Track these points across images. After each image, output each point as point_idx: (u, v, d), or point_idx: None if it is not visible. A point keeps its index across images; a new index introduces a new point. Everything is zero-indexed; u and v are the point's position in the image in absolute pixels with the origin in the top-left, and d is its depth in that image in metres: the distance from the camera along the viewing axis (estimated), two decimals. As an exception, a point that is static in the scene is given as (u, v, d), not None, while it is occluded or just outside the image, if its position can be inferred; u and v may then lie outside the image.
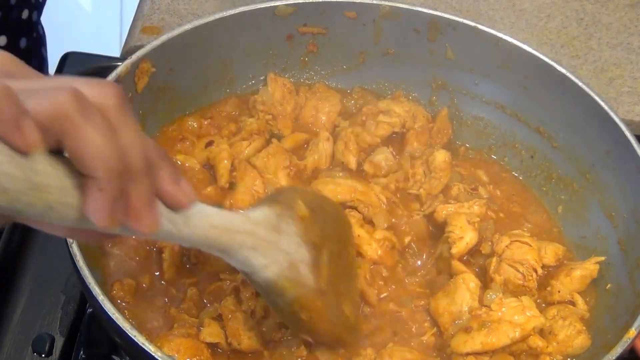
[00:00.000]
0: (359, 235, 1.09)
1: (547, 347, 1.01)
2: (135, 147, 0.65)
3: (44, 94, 0.60)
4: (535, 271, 1.08)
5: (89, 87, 0.64)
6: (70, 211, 0.63)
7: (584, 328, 1.03)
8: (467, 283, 1.05)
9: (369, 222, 1.13)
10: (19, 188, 0.59)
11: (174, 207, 0.73)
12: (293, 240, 0.89)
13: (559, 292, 1.08)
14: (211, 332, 0.97)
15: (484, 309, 1.01)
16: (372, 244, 1.10)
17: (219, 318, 0.99)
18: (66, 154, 0.63)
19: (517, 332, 0.98)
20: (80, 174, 0.62)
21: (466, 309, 1.03)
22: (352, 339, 1.01)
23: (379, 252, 1.10)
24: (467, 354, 0.99)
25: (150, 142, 0.69)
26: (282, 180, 1.16)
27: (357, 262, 1.06)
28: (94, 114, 0.62)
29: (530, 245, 1.10)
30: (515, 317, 0.99)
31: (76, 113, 0.60)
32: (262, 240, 0.85)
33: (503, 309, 1.00)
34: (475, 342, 0.99)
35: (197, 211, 0.77)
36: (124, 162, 0.63)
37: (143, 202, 0.67)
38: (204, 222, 0.78)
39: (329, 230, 0.98)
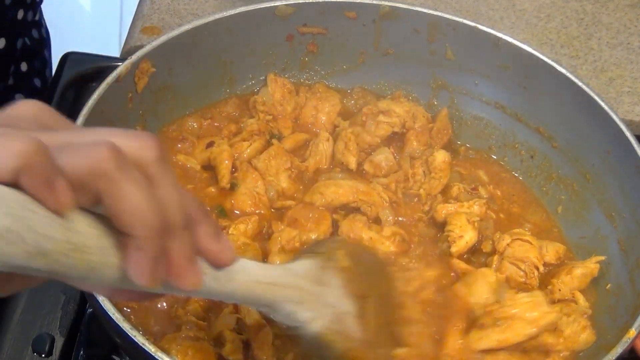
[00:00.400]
0: (370, 238, 1.09)
1: (557, 344, 1.01)
2: (175, 203, 0.62)
3: (80, 149, 0.57)
4: (537, 269, 1.08)
5: (127, 140, 0.60)
6: (112, 271, 0.61)
7: (589, 323, 1.04)
8: (487, 277, 1.05)
9: (374, 220, 1.13)
10: (58, 250, 0.56)
11: (217, 264, 0.69)
12: (337, 293, 0.86)
13: (559, 290, 1.08)
14: (234, 350, 0.95)
15: (495, 305, 1.02)
16: (385, 242, 1.10)
17: (236, 328, 0.97)
18: (104, 213, 0.60)
19: (533, 329, 0.98)
20: (119, 233, 0.60)
21: (482, 302, 1.03)
22: None
23: (392, 248, 1.10)
24: (483, 351, 0.99)
25: (190, 196, 0.66)
26: (284, 182, 1.16)
27: (399, 304, 1.03)
28: (132, 170, 0.58)
29: (532, 244, 1.10)
30: (528, 314, 1.00)
31: (114, 170, 0.57)
32: (306, 293, 0.82)
33: (515, 305, 1.01)
34: (491, 339, 0.99)
35: (239, 266, 0.73)
36: (163, 219, 0.60)
37: (184, 259, 0.64)
38: (247, 278, 0.75)
39: (372, 280, 0.96)
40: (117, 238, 0.60)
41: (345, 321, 0.86)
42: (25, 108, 0.61)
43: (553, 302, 1.08)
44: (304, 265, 0.85)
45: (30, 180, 0.53)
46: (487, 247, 1.12)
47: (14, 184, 0.53)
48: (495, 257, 1.09)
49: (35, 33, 1.55)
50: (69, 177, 0.55)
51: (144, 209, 0.59)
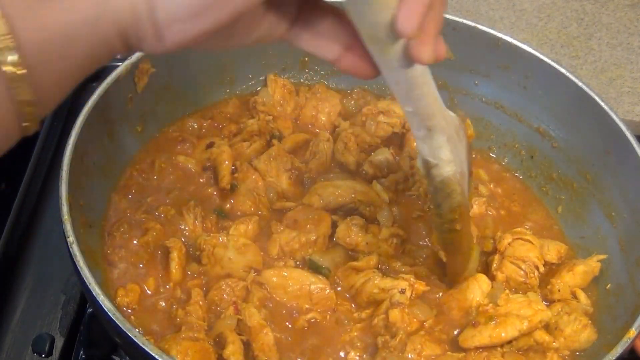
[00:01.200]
0: (367, 243, 1.09)
1: (554, 341, 1.01)
2: None
3: None
4: (537, 268, 1.08)
5: None
6: (382, 17, 0.68)
7: (589, 322, 1.04)
8: (479, 281, 1.05)
9: (372, 221, 1.13)
10: None
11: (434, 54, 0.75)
12: (464, 153, 0.92)
13: (558, 290, 1.08)
14: (235, 351, 0.94)
15: (490, 305, 1.02)
16: (381, 246, 1.09)
17: (237, 329, 0.97)
18: None
19: (524, 324, 0.99)
20: None
21: (475, 305, 1.03)
22: (466, 272, 1.05)
23: (390, 252, 1.09)
24: (477, 348, 0.99)
25: None
26: (284, 183, 1.16)
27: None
28: None
29: (532, 243, 1.10)
30: (522, 311, 1.00)
31: None
32: (452, 136, 0.88)
33: (509, 304, 1.01)
34: (483, 335, 0.99)
35: (429, 75, 0.80)
36: None
37: (435, 31, 0.71)
38: (429, 88, 0.81)
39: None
40: None
41: (464, 180, 0.92)
42: None
43: (552, 302, 1.08)
44: (451, 112, 0.90)
45: None
46: (488, 246, 1.12)
47: None
48: (496, 257, 1.09)
49: None
50: None
51: None
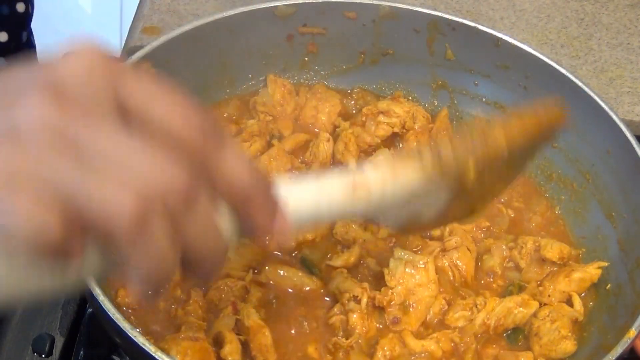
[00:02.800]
0: (364, 240, 1.09)
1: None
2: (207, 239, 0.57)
3: (105, 197, 0.51)
4: None
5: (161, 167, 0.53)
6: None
7: (570, 334, 1.03)
8: None
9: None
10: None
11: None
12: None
13: (548, 295, 1.07)
14: (232, 350, 0.94)
15: None
16: (378, 244, 1.09)
17: (235, 329, 0.97)
18: None
19: None
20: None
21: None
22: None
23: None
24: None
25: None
26: (284, 184, 1.16)
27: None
28: (156, 222, 0.52)
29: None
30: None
31: (128, 231, 0.52)
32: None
33: None
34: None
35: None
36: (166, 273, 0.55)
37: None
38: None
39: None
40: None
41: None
42: (81, 72, 0.52)
43: (541, 304, 1.07)
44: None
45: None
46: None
47: None
48: None
49: (29, 26, 1.54)
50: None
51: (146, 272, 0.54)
